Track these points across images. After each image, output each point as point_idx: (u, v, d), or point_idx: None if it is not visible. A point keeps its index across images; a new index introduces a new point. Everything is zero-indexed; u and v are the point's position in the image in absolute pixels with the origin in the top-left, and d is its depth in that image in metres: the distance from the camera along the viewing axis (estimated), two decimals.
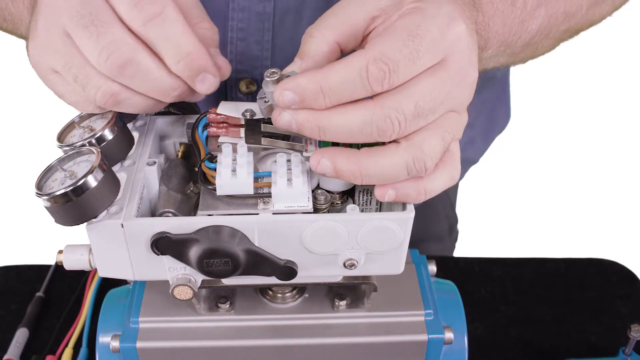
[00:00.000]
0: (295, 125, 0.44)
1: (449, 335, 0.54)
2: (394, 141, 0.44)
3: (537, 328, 0.75)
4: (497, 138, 0.97)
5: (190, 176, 0.53)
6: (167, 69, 0.45)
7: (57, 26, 0.44)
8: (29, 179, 0.49)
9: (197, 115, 0.53)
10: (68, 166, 0.47)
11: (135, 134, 0.54)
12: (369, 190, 0.51)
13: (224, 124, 0.51)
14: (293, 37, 0.66)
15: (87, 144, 0.48)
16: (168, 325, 0.55)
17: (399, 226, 0.46)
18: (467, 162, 0.95)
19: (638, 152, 2.03)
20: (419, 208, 0.47)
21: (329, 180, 0.49)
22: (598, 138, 2.08)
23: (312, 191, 0.49)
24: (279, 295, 0.56)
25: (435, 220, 1.04)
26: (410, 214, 0.46)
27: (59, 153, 0.48)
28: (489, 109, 0.91)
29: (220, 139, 0.51)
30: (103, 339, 0.56)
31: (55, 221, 0.45)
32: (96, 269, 0.49)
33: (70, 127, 0.51)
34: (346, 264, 0.49)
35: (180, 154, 0.56)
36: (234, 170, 0.47)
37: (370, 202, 0.52)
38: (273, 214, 0.47)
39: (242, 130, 0.51)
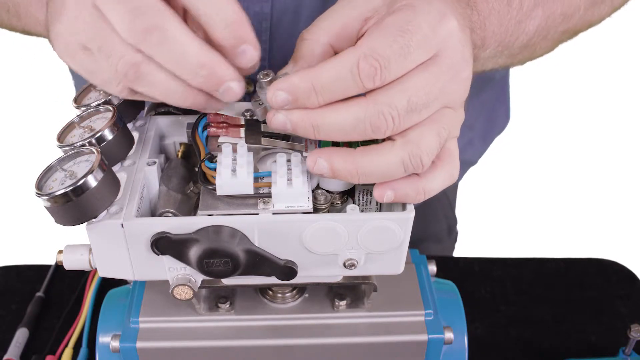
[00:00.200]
0: (289, 126, 0.43)
1: (449, 335, 0.54)
2: (390, 139, 0.44)
3: (537, 328, 0.75)
4: (496, 138, 0.97)
5: (190, 176, 0.53)
6: (196, 41, 0.42)
7: (88, 2, 0.43)
8: (29, 179, 0.49)
9: (197, 115, 0.53)
10: (68, 166, 0.47)
11: (135, 134, 0.54)
12: (369, 190, 0.51)
13: (224, 124, 0.51)
14: (291, 37, 0.66)
15: (87, 144, 0.48)
16: (168, 325, 0.55)
17: (399, 226, 0.46)
18: (466, 163, 0.95)
19: (638, 152, 2.03)
20: (418, 209, 0.47)
21: (328, 180, 0.49)
22: (598, 138, 2.08)
23: (312, 191, 0.49)
24: (279, 295, 0.56)
25: (434, 221, 1.04)
26: (410, 214, 0.46)
27: (59, 153, 0.48)
28: (488, 110, 0.91)
29: (220, 139, 0.51)
30: (103, 339, 0.56)
31: (55, 221, 0.45)
32: (96, 269, 0.49)
33: (70, 127, 0.51)
34: (346, 264, 0.49)
35: (180, 154, 0.56)
36: (234, 170, 0.47)
37: (370, 202, 0.52)
38: (273, 214, 0.47)
39: (242, 130, 0.51)
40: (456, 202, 1.09)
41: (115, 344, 0.54)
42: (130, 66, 0.42)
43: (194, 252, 0.46)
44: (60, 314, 0.75)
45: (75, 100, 0.54)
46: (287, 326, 0.55)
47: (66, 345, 0.71)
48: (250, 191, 0.47)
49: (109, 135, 0.49)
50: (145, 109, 0.57)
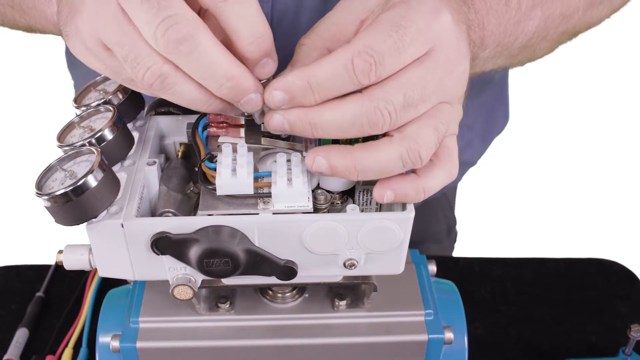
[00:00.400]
0: (287, 126, 0.43)
1: (449, 335, 0.54)
2: (387, 135, 0.44)
3: (537, 328, 0.75)
4: (495, 139, 0.97)
5: (190, 176, 0.53)
6: (225, 53, 0.42)
7: (110, 1, 0.42)
8: (29, 179, 0.49)
9: (197, 116, 0.53)
10: (68, 166, 0.47)
11: (135, 134, 0.54)
12: (369, 190, 0.51)
13: (224, 124, 0.51)
14: (291, 38, 0.66)
15: (87, 144, 0.48)
16: (168, 325, 0.55)
17: (399, 226, 0.46)
18: (466, 164, 0.95)
19: (637, 152, 2.03)
20: (417, 209, 0.47)
21: (328, 180, 0.49)
22: (597, 138, 2.08)
23: (312, 191, 0.49)
24: (279, 295, 0.56)
25: (433, 222, 1.04)
26: (410, 213, 0.46)
27: (59, 153, 0.48)
28: (487, 111, 0.91)
29: (220, 139, 0.51)
30: (103, 339, 0.56)
31: (55, 221, 0.45)
32: (96, 269, 0.49)
33: (70, 127, 0.51)
34: (346, 264, 0.49)
35: (180, 154, 0.56)
36: (234, 170, 0.47)
37: (370, 202, 0.52)
38: (273, 213, 0.47)
39: (242, 130, 0.51)
40: (456, 202, 1.09)
41: (115, 344, 0.54)
42: (157, 77, 0.42)
43: (194, 252, 0.46)
44: (60, 314, 0.75)
45: (75, 100, 0.54)
46: (287, 326, 0.55)
47: (66, 345, 0.71)
48: (250, 191, 0.47)
49: (109, 135, 0.49)
50: (145, 109, 0.57)
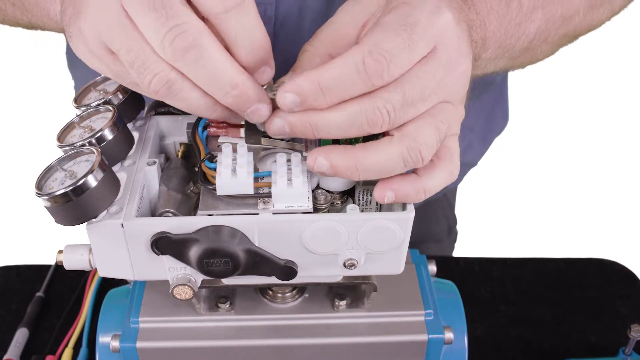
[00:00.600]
0: (287, 128, 0.43)
1: (449, 335, 0.54)
2: (388, 134, 0.44)
3: (537, 328, 0.75)
4: (495, 139, 0.97)
5: (190, 176, 0.53)
6: (230, 62, 0.43)
7: (114, 3, 0.43)
8: (29, 179, 0.49)
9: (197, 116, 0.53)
10: (68, 166, 0.47)
11: (135, 134, 0.54)
12: (369, 190, 0.51)
13: (224, 124, 0.51)
14: (294, 40, 0.66)
15: (87, 144, 0.48)
16: (168, 325, 0.55)
17: (399, 226, 0.46)
18: (466, 165, 0.95)
19: (637, 152, 2.03)
20: (418, 209, 0.47)
21: (329, 180, 0.49)
22: (597, 138, 2.08)
23: (312, 191, 0.49)
24: (279, 295, 0.56)
25: (434, 222, 1.04)
26: (410, 213, 0.46)
27: (59, 153, 0.48)
28: (487, 112, 0.91)
29: (220, 139, 0.51)
30: (103, 339, 0.56)
31: (55, 221, 0.45)
32: (96, 269, 0.49)
33: (70, 127, 0.51)
34: (346, 264, 0.49)
35: (180, 154, 0.56)
36: (234, 170, 0.47)
37: (370, 202, 0.52)
38: (273, 213, 0.47)
39: (242, 130, 0.51)
40: (456, 202, 1.09)
41: (115, 344, 0.54)
42: (163, 84, 0.43)
43: (194, 252, 0.46)
44: (60, 314, 0.75)
45: (75, 100, 0.54)
46: (287, 326, 0.55)
47: (66, 345, 0.71)
48: (250, 191, 0.47)
49: (109, 135, 0.49)
50: (145, 109, 0.57)
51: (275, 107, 0.44)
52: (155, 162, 0.51)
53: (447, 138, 0.46)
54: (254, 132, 0.51)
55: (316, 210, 0.48)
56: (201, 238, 0.46)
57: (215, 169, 0.48)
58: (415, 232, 0.50)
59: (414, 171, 0.46)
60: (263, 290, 0.57)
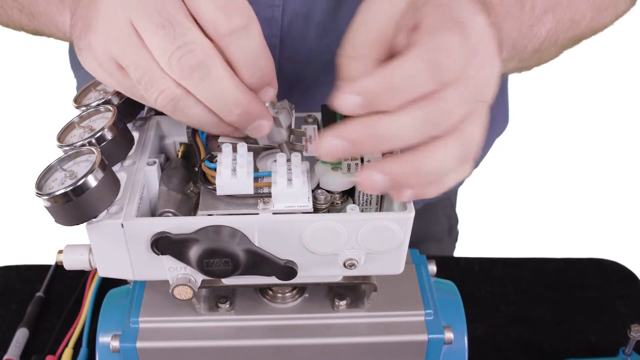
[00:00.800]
0: (346, 146, 0.41)
1: (449, 335, 0.54)
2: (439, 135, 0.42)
3: (537, 328, 0.75)
4: (496, 140, 0.97)
5: (190, 176, 0.53)
6: (235, 82, 0.44)
7: (124, 20, 0.43)
8: (29, 179, 0.49)
9: None
10: (68, 166, 0.47)
11: (135, 134, 0.54)
12: None
13: None
14: (301, 42, 0.66)
15: (87, 144, 0.48)
16: (168, 325, 0.55)
17: (399, 226, 0.46)
18: None
19: (637, 152, 2.03)
20: (418, 209, 0.47)
21: (328, 180, 0.49)
22: (597, 138, 2.08)
23: (312, 191, 0.49)
24: (279, 295, 0.56)
25: (435, 221, 1.04)
26: (410, 213, 0.46)
27: (59, 153, 0.48)
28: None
29: (220, 139, 0.51)
30: (103, 339, 0.56)
31: (55, 221, 0.45)
32: (96, 269, 0.49)
33: (70, 127, 0.51)
34: (346, 264, 0.49)
35: (180, 154, 0.56)
36: (234, 170, 0.47)
37: (370, 202, 0.52)
38: (273, 213, 0.47)
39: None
40: (456, 202, 1.09)
41: (115, 344, 0.54)
42: (169, 100, 0.44)
43: (194, 252, 0.46)
44: (60, 314, 0.75)
45: (75, 100, 0.54)
46: (287, 326, 0.55)
47: (66, 345, 0.71)
48: (250, 191, 0.47)
49: (109, 135, 0.49)
50: (145, 109, 0.57)
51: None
52: (155, 162, 0.51)
53: None
54: None
55: (316, 210, 0.48)
56: (201, 238, 0.46)
57: (215, 169, 0.48)
58: (416, 232, 0.50)
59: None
60: (263, 290, 0.57)
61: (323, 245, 0.47)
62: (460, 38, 0.41)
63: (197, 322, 0.55)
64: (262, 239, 0.47)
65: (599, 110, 2.14)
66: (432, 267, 0.60)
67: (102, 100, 0.52)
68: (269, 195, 0.47)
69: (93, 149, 0.46)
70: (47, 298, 0.78)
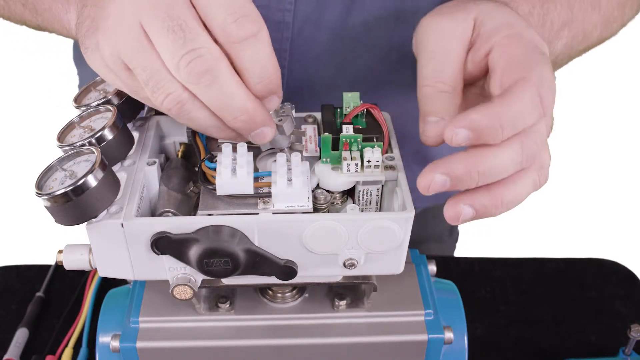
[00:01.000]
0: (449, 183, 0.42)
1: (449, 335, 0.54)
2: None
3: (537, 328, 0.75)
4: None
5: (190, 176, 0.53)
6: (242, 89, 0.44)
7: (134, 22, 0.43)
8: (29, 179, 0.49)
9: None
10: (68, 166, 0.47)
11: (135, 134, 0.54)
12: (369, 190, 0.51)
13: None
14: (311, 46, 0.66)
15: (87, 144, 0.48)
16: (168, 325, 0.55)
17: (399, 226, 0.46)
18: None
19: (637, 152, 2.03)
20: (419, 209, 0.47)
21: (328, 180, 0.49)
22: (597, 138, 2.08)
23: (312, 191, 0.49)
24: (279, 295, 0.56)
25: (435, 222, 1.04)
26: (410, 213, 0.46)
27: (59, 153, 0.48)
28: None
29: (220, 139, 0.51)
30: (103, 339, 0.56)
31: (55, 221, 0.45)
32: (96, 268, 0.49)
33: (70, 127, 0.51)
34: (346, 264, 0.49)
35: (180, 154, 0.56)
36: (234, 170, 0.47)
37: (370, 202, 0.52)
38: (273, 213, 0.47)
39: None
40: None
41: (115, 343, 0.54)
42: (175, 104, 0.44)
43: (194, 252, 0.46)
44: (60, 314, 0.75)
45: (75, 100, 0.54)
46: (287, 326, 0.55)
47: (66, 345, 0.71)
48: (250, 191, 0.47)
49: (109, 135, 0.49)
50: (146, 108, 0.57)
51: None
52: (155, 162, 0.51)
53: None
54: None
55: (316, 210, 0.48)
56: (201, 238, 0.46)
57: (215, 169, 0.48)
58: (416, 232, 0.50)
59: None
60: (263, 290, 0.57)
61: (323, 245, 0.47)
62: (550, 67, 0.43)
63: (197, 322, 0.55)
64: (262, 239, 0.47)
65: (599, 110, 2.14)
66: (432, 267, 0.60)
67: (102, 100, 0.52)
68: (269, 195, 0.47)
69: (93, 148, 0.46)
70: (47, 298, 0.78)
